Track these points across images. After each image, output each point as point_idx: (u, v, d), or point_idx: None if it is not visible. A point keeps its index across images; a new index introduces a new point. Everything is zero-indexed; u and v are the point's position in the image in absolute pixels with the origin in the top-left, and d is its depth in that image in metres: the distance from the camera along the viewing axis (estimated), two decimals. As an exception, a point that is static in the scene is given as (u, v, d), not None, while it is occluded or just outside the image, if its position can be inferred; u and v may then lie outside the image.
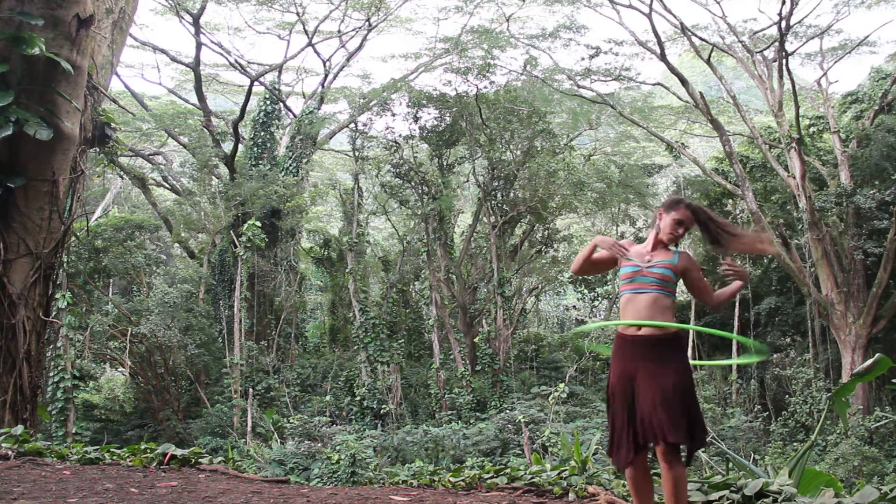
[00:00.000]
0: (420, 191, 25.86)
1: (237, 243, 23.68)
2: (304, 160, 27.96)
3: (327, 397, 24.03)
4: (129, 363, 22.17)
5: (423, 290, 28.44)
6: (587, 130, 29.07)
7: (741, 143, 25.99)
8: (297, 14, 27.56)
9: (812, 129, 24.37)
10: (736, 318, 24.35)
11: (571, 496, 4.70)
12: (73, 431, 19.70)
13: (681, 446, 3.42)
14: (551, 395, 19.20)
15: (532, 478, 5.16)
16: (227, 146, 27.26)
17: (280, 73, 29.58)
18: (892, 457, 17.17)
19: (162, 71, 49.56)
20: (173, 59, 28.34)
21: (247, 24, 28.76)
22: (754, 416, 21.35)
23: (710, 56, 22.40)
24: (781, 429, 20.38)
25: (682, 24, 21.70)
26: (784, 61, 21.08)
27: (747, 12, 40.61)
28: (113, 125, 9.53)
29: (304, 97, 30.58)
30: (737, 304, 24.67)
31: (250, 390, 22.00)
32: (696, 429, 3.43)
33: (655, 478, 4.34)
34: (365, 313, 24.71)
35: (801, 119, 21.24)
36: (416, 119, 25.45)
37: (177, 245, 30.79)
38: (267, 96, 28.14)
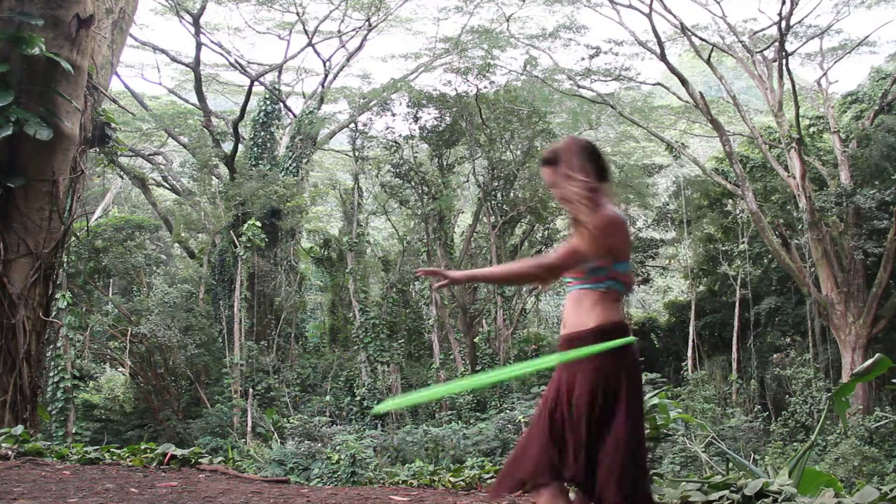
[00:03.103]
0: (420, 191, 25.85)
1: (237, 243, 23.68)
2: (304, 160, 27.95)
3: (327, 397, 24.02)
4: (129, 363, 22.17)
5: (423, 290, 28.40)
6: (587, 130, 29.01)
7: (741, 143, 25.97)
8: (297, 14, 27.55)
9: (812, 129, 24.35)
10: (736, 318, 24.33)
11: (571, 496, 4.69)
12: (73, 431, 19.69)
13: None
14: (551, 396, 19.15)
15: (532, 478, 5.13)
16: (227, 146, 27.25)
17: (280, 73, 29.57)
18: (892, 457, 17.15)
19: (162, 71, 49.38)
20: (173, 59, 28.34)
21: (247, 24, 28.77)
22: (754, 416, 21.32)
23: (710, 56, 22.40)
24: (781, 429, 20.37)
25: (682, 24, 21.70)
26: (784, 61, 21.07)
27: (747, 12, 40.56)
28: (113, 125, 9.55)
29: (304, 97, 30.57)
30: (737, 304, 24.64)
31: (250, 390, 22.00)
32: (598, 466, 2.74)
33: None
34: (365, 313, 24.71)
35: (801, 119, 21.23)
36: (416, 119, 25.44)
37: (177, 245, 30.78)
38: (267, 96, 28.13)
